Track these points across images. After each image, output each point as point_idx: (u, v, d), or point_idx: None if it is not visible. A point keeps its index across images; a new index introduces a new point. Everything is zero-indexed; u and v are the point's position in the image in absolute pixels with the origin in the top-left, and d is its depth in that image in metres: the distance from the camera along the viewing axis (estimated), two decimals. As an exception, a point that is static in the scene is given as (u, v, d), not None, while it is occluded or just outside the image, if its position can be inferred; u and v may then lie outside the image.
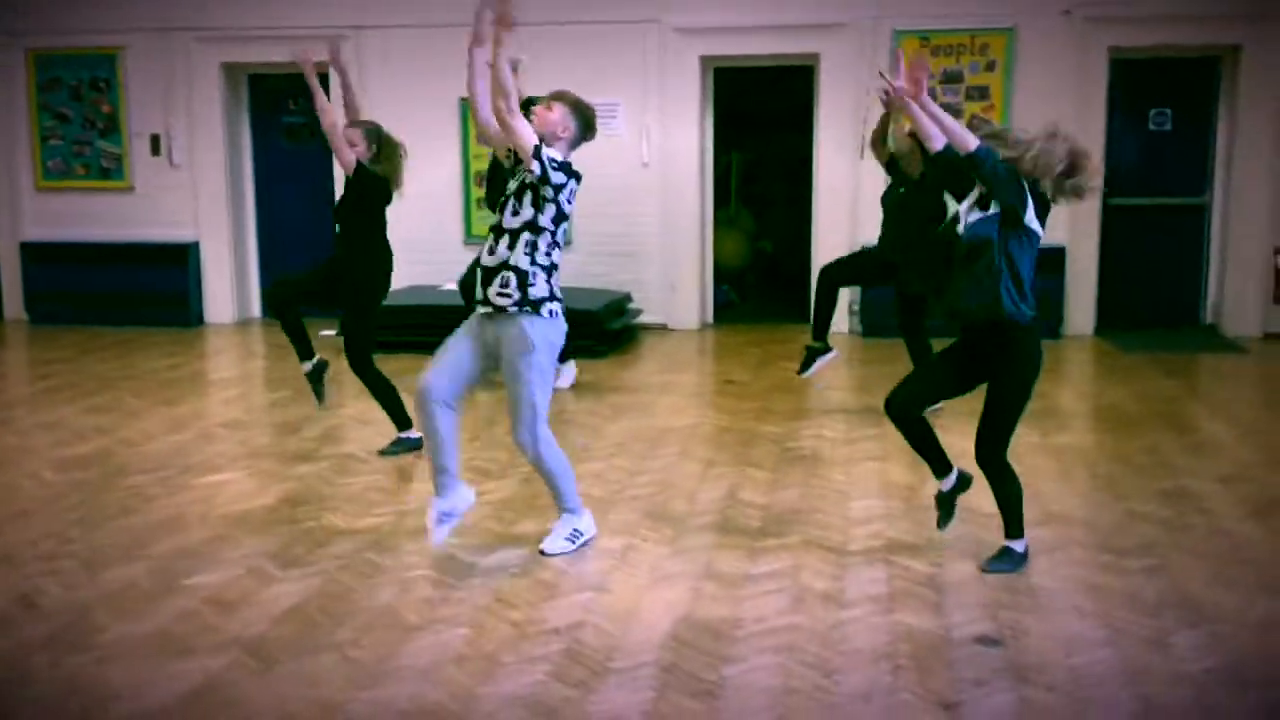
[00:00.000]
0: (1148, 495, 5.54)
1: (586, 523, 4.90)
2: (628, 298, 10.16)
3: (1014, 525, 4.61)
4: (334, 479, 5.90)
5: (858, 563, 4.69)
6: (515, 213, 4.56)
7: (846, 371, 8.46)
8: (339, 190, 6.37)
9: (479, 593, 4.40)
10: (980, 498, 4.84)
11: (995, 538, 4.69)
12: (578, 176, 4.63)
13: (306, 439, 6.68)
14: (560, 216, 4.59)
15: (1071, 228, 9.89)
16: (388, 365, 6.59)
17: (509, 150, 4.65)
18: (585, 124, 4.65)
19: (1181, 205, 10.24)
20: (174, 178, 10.88)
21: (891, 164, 7.03)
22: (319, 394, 6.48)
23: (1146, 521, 5.17)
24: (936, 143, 4.29)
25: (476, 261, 4.88)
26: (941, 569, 4.60)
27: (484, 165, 9.14)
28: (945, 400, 5.66)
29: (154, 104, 10.78)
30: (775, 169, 13.27)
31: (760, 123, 12.74)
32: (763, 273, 13.01)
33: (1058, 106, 9.75)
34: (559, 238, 4.64)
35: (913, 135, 6.47)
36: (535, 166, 4.46)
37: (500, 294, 4.55)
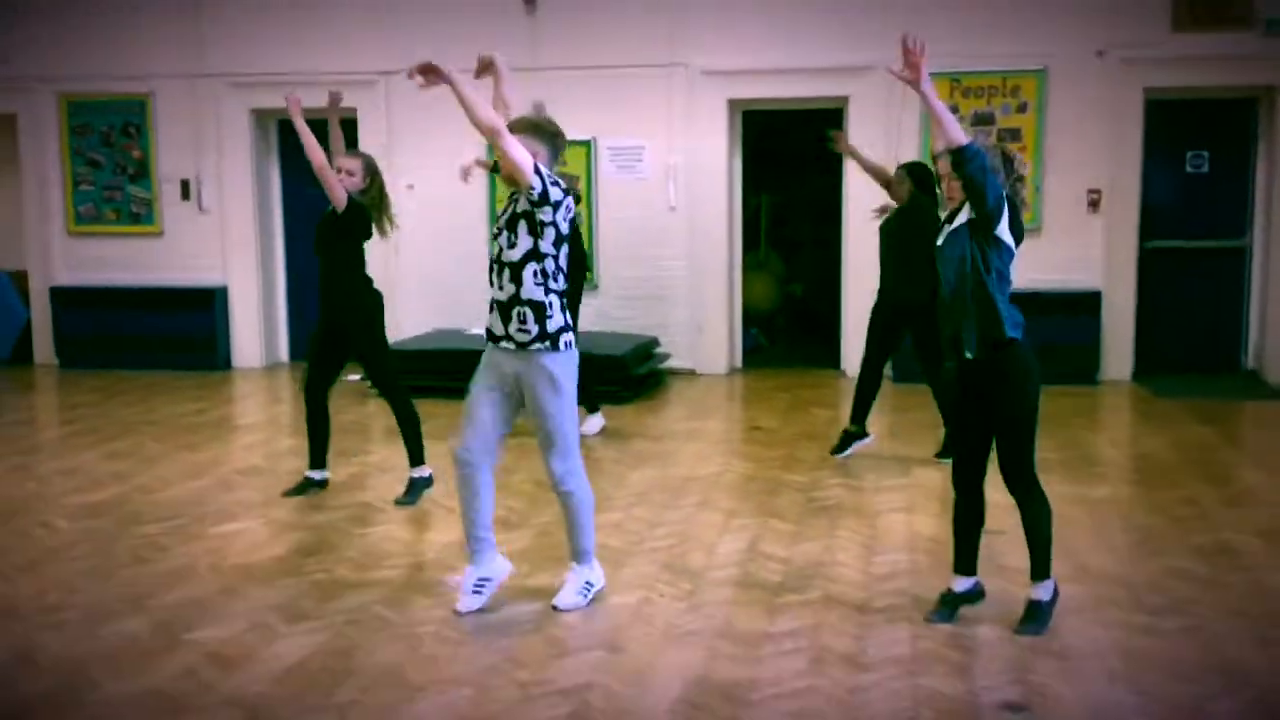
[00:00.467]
0: (1185, 550, 5.35)
1: (597, 574, 4.80)
2: (654, 342, 10.04)
3: (1040, 564, 4.42)
4: (349, 529, 5.80)
5: (880, 621, 4.52)
6: (512, 244, 4.50)
7: (877, 420, 8.27)
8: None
9: (487, 651, 4.28)
10: (1010, 552, 4.65)
11: (1024, 592, 4.49)
12: (576, 196, 4.56)
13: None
14: (560, 239, 4.53)
15: (1108, 271, 9.71)
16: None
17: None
18: (550, 136, 4.59)
19: (1221, 249, 10.02)
20: (203, 222, 10.92)
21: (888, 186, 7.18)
22: (299, 490, 6.41)
23: (1183, 578, 4.97)
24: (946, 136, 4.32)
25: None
26: (967, 628, 4.42)
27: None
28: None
29: (184, 149, 10.84)
30: (805, 211, 13.17)
31: (789, 163, 12.64)
32: (792, 316, 12.89)
33: (1092, 148, 9.66)
34: (563, 261, 4.58)
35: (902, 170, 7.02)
36: (536, 182, 4.41)
37: (520, 330, 4.51)
